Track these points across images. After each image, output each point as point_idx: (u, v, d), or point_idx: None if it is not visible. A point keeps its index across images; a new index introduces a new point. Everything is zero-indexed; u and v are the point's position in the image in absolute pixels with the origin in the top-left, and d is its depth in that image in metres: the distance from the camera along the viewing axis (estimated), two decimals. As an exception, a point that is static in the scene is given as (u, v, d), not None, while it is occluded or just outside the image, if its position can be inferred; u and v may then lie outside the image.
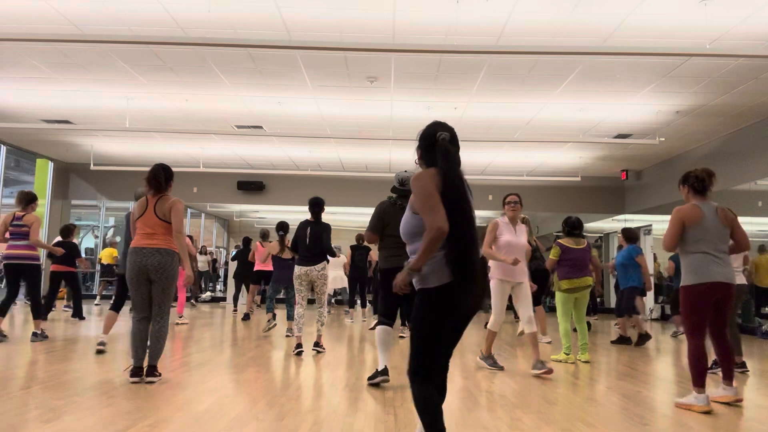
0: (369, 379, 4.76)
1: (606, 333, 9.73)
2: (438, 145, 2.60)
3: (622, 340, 7.97)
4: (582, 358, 6.20)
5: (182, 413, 3.62)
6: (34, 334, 6.82)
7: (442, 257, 2.48)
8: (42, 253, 7.38)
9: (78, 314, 9.56)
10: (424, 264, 2.49)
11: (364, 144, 12.31)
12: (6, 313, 6.82)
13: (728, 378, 4.27)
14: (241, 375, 5.02)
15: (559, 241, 6.41)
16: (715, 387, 4.47)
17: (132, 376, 4.56)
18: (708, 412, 3.97)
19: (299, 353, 6.31)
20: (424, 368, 2.53)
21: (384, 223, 4.79)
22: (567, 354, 6.17)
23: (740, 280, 5.88)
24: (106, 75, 8.54)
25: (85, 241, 18.00)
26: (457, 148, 2.67)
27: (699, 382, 4.06)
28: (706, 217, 4.12)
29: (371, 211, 5.01)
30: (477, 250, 2.51)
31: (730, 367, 4.26)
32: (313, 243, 6.37)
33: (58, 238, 9.33)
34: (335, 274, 11.61)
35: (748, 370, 5.85)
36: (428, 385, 2.52)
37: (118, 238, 14.41)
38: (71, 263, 9.04)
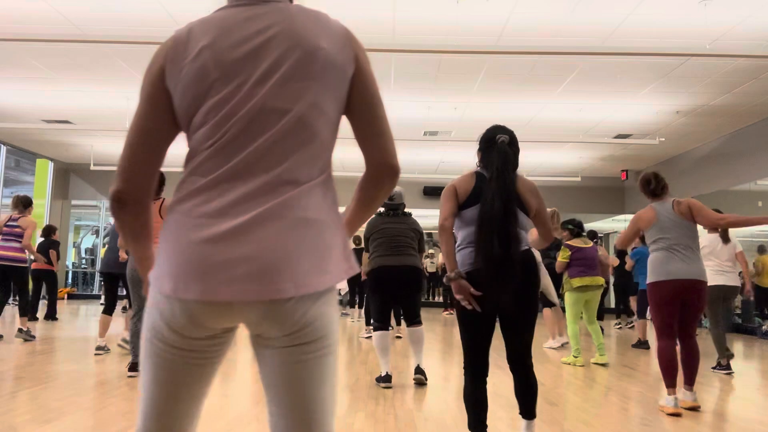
0: (376, 379, 4.84)
1: (606, 335, 9.72)
2: (497, 147, 2.71)
3: (640, 344, 7.60)
4: (600, 361, 6.03)
5: (182, 413, 3.62)
6: (20, 330, 6.91)
7: (462, 251, 2.71)
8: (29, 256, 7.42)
9: (51, 315, 9.38)
10: (449, 261, 2.72)
11: (364, 144, 12.29)
12: (28, 313, 6.94)
13: (689, 383, 4.06)
14: (241, 375, 5.02)
15: (567, 243, 6.29)
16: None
17: (130, 370, 4.82)
18: (678, 415, 3.86)
19: None
20: (466, 364, 2.74)
21: (366, 237, 4.97)
22: (576, 357, 6.00)
23: (732, 281, 5.80)
24: (106, 75, 8.54)
25: (86, 241, 17.99)
26: (517, 150, 2.79)
27: (669, 384, 3.95)
28: (660, 217, 4.09)
29: (371, 211, 5.09)
30: (501, 244, 2.55)
31: (693, 372, 4.07)
32: None
33: (41, 239, 9.34)
34: None
35: (732, 355, 5.79)
36: (473, 381, 2.71)
37: (118, 239, 14.40)
38: (50, 262, 9.04)
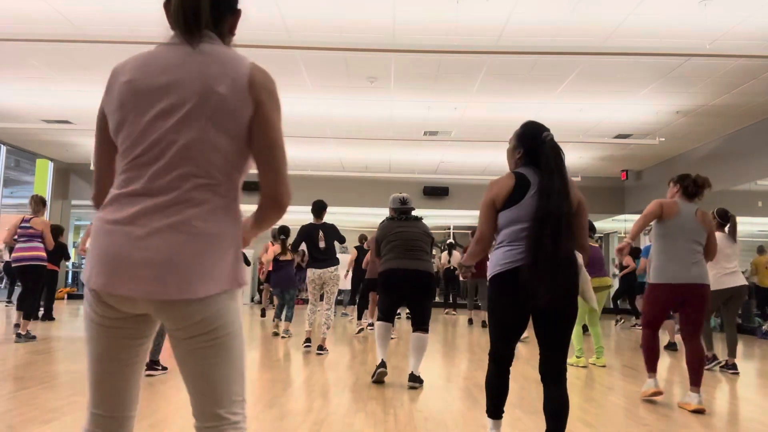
0: (372, 377, 4.85)
1: (607, 335, 9.72)
2: (547, 144, 2.66)
3: (669, 346, 7.48)
4: (598, 363, 6.01)
5: (182, 413, 3.62)
6: (18, 335, 6.83)
7: (499, 250, 2.66)
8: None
9: (48, 315, 9.39)
10: (469, 262, 2.95)
11: (364, 144, 12.32)
12: (30, 316, 6.94)
13: (695, 384, 4.04)
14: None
15: None
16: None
17: (147, 369, 4.84)
18: (658, 393, 4.22)
19: (308, 347, 6.48)
20: (492, 352, 2.74)
21: (379, 240, 5.01)
22: (579, 357, 5.97)
23: (740, 280, 5.75)
24: (106, 75, 8.50)
25: (85, 241, 17.99)
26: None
27: (650, 369, 4.27)
28: (682, 215, 4.09)
29: (371, 211, 5.17)
30: (549, 244, 2.48)
31: (698, 373, 4.06)
32: (327, 245, 6.46)
33: None
34: (342, 274, 11.62)
35: (738, 372, 5.75)
36: (497, 368, 2.73)
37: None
38: (56, 263, 9.04)
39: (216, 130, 1.37)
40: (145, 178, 1.37)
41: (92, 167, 1.50)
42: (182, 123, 1.37)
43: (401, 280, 4.74)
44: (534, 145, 2.69)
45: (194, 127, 1.36)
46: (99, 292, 1.37)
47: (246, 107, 1.38)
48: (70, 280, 16.48)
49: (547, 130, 2.73)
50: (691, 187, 4.23)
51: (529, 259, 2.50)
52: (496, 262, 2.64)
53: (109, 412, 1.46)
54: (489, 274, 2.69)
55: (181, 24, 1.41)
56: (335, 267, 6.51)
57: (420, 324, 4.79)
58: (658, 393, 4.22)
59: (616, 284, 11.38)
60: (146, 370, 4.79)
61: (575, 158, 13.26)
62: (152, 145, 1.37)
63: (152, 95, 1.39)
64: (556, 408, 2.56)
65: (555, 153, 2.63)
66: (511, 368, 2.75)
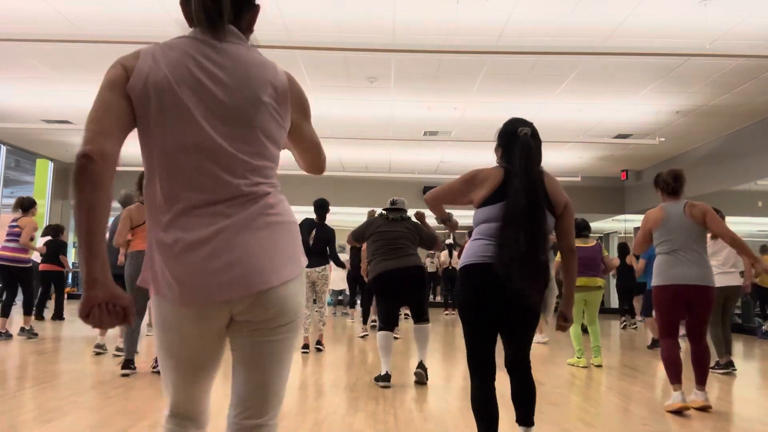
0: (375, 378, 4.86)
1: (608, 335, 9.72)
2: (519, 141, 2.55)
3: (655, 344, 7.50)
4: (595, 362, 6.02)
5: (182, 413, 3.62)
6: (22, 329, 7.09)
7: (475, 242, 2.57)
8: (33, 255, 7.60)
9: (59, 315, 9.52)
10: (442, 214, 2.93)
11: (364, 144, 12.32)
12: (8, 314, 7.03)
13: (700, 383, 4.07)
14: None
15: None
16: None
17: (123, 368, 4.83)
18: (685, 409, 3.91)
19: (305, 353, 6.43)
20: (471, 366, 2.56)
21: (367, 233, 5.09)
22: (579, 357, 5.99)
23: (734, 281, 5.79)
24: (106, 75, 8.53)
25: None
26: (539, 142, 2.64)
27: (674, 381, 3.98)
28: (669, 218, 4.05)
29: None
30: (527, 240, 2.41)
31: (704, 372, 4.07)
32: (316, 245, 6.46)
33: (48, 237, 9.35)
34: (337, 274, 11.55)
35: (735, 369, 5.74)
36: (480, 385, 2.53)
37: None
38: (56, 262, 9.06)
39: (263, 133, 1.42)
40: (205, 184, 1.34)
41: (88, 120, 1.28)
42: (233, 128, 1.38)
43: (393, 281, 4.82)
44: (510, 142, 2.60)
45: (245, 132, 1.39)
46: (193, 308, 1.35)
47: (286, 113, 1.47)
48: (70, 280, 16.49)
49: (527, 125, 2.61)
50: (664, 185, 4.20)
51: (502, 262, 2.41)
52: (471, 253, 2.53)
53: (195, 409, 1.58)
54: (461, 263, 2.57)
55: (204, 20, 1.39)
56: (323, 267, 6.51)
57: (420, 316, 4.93)
58: (685, 408, 3.91)
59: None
60: (122, 369, 4.85)
61: (575, 158, 13.26)
62: (207, 152, 1.35)
63: (199, 93, 1.36)
64: (523, 394, 2.56)
65: (525, 152, 2.52)
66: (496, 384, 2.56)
